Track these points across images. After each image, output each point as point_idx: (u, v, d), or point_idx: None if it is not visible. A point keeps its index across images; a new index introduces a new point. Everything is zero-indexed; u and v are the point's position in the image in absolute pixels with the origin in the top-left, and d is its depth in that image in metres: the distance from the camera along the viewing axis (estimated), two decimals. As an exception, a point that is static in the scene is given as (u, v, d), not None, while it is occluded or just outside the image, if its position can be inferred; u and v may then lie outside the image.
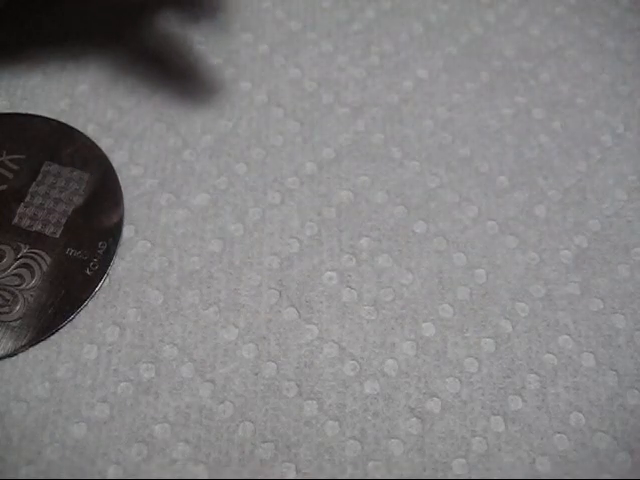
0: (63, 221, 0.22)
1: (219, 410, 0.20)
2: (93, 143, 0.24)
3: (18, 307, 0.21)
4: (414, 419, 0.21)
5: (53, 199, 0.23)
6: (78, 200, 0.23)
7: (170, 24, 0.27)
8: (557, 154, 0.25)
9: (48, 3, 0.27)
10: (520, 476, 0.20)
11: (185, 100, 0.25)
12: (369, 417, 0.21)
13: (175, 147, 0.24)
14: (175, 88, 0.25)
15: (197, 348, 0.21)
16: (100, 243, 0.22)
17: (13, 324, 0.21)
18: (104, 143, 0.24)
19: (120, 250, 0.22)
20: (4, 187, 0.23)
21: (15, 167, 0.23)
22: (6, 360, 0.21)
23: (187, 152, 0.24)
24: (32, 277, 0.21)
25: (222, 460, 0.20)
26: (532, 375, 0.21)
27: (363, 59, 0.26)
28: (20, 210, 0.22)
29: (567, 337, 0.22)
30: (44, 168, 0.23)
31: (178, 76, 0.26)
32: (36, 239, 0.22)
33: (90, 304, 0.22)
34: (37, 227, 0.22)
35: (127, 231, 0.23)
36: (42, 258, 0.22)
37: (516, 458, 0.20)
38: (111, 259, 0.22)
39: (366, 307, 0.22)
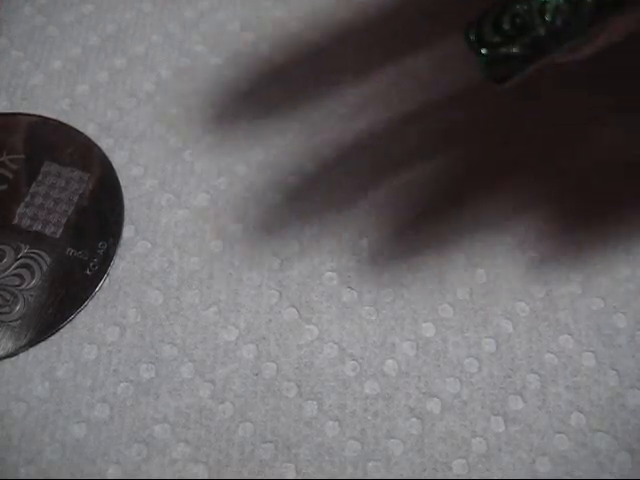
0: (63, 221, 0.22)
1: (219, 410, 0.20)
2: (93, 143, 0.24)
3: (18, 307, 0.21)
4: (414, 419, 0.21)
5: (53, 199, 0.23)
6: (78, 200, 0.23)
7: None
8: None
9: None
10: (520, 476, 0.20)
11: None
12: (369, 417, 0.21)
13: (175, 147, 0.24)
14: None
15: (197, 348, 0.21)
16: (100, 243, 0.22)
17: (13, 324, 0.21)
18: (104, 143, 0.24)
19: (120, 250, 0.22)
20: (4, 187, 0.23)
21: (15, 167, 0.23)
22: (6, 360, 0.21)
23: (187, 152, 0.24)
24: (32, 277, 0.21)
25: (222, 460, 0.20)
26: (532, 375, 0.21)
27: (363, 59, 0.26)
28: (20, 210, 0.22)
29: (568, 336, 0.22)
30: (44, 168, 0.23)
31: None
32: (36, 239, 0.22)
33: (90, 304, 0.22)
34: (37, 227, 0.22)
35: (127, 231, 0.23)
36: (42, 258, 0.22)
37: (516, 458, 0.20)
38: (111, 259, 0.22)
39: (366, 307, 0.22)
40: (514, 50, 0.13)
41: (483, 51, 0.13)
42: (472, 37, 0.13)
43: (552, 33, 0.13)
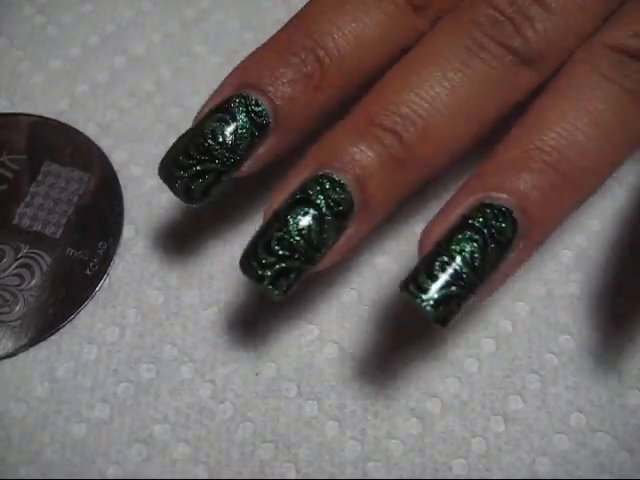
0: (63, 221, 0.22)
1: (219, 410, 0.20)
2: (93, 143, 0.24)
3: (18, 307, 0.21)
4: (414, 419, 0.21)
5: (53, 199, 0.23)
6: (78, 200, 0.23)
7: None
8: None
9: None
10: (520, 476, 0.20)
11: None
12: (369, 417, 0.21)
13: (175, 147, 0.24)
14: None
15: (197, 348, 0.21)
16: (100, 243, 0.22)
17: (13, 324, 0.21)
18: (104, 143, 0.24)
19: (120, 250, 0.22)
20: (4, 187, 0.23)
21: (15, 167, 0.23)
22: (6, 360, 0.21)
23: (187, 152, 0.24)
24: (32, 277, 0.21)
25: (222, 460, 0.20)
26: (532, 375, 0.21)
27: (363, 59, 0.26)
28: (20, 210, 0.22)
29: (568, 337, 0.22)
30: (44, 168, 0.23)
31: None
32: (36, 239, 0.22)
33: (90, 304, 0.22)
34: (37, 227, 0.22)
35: (127, 231, 0.23)
36: (42, 258, 0.22)
37: (516, 458, 0.20)
38: (111, 259, 0.22)
39: (366, 307, 0.22)
40: (287, 265, 0.17)
41: (268, 272, 0.17)
42: (254, 266, 0.17)
43: (311, 245, 0.17)
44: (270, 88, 0.19)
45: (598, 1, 0.19)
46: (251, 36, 0.26)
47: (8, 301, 0.21)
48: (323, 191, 0.17)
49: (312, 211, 0.17)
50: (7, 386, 0.20)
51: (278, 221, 0.17)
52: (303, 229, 0.17)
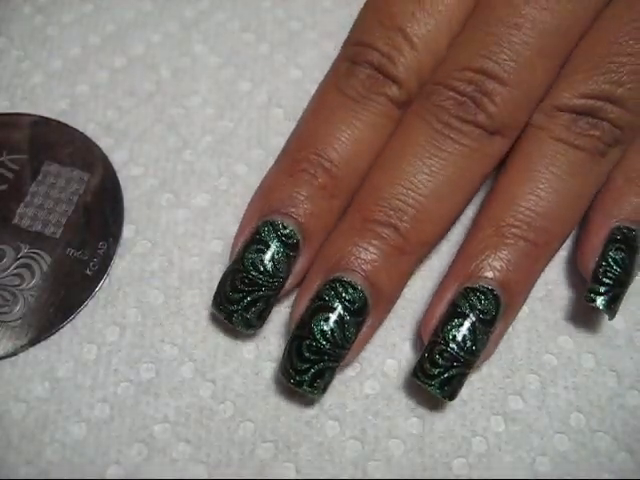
0: (63, 221, 0.22)
1: (219, 410, 0.20)
2: (93, 143, 0.24)
3: (18, 307, 0.21)
4: (414, 419, 0.21)
5: (53, 199, 0.23)
6: (78, 200, 0.23)
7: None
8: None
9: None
10: (520, 476, 0.20)
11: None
12: (369, 417, 0.21)
13: (175, 147, 0.24)
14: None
15: (197, 348, 0.21)
16: (100, 243, 0.22)
17: (13, 324, 0.21)
18: (104, 143, 0.24)
19: (120, 250, 0.22)
20: (4, 187, 0.23)
21: (15, 167, 0.23)
22: (6, 360, 0.21)
23: (187, 152, 0.24)
24: (32, 277, 0.21)
25: (222, 460, 0.20)
26: (532, 375, 0.21)
27: (363, 59, 0.26)
28: (20, 210, 0.22)
29: (567, 337, 0.22)
30: (44, 168, 0.23)
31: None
32: (36, 239, 0.22)
33: (90, 304, 0.22)
34: (37, 227, 0.22)
35: (127, 231, 0.23)
36: (42, 258, 0.22)
37: (516, 458, 0.20)
38: (111, 259, 0.22)
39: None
40: (319, 367, 0.19)
41: (305, 377, 0.19)
42: (292, 374, 0.19)
43: (336, 345, 0.19)
44: (292, 209, 0.20)
45: (546, 64, 0.20)
46: (251, 36, 0.26)
47: (8, 301, 0.21)
48: (337, 295, 0.19)
49: (331, 315, 0.19)
50: (7, 386, 0.20)
51: (303, 330, 0.19)
52: (326, 333, 0.19)
